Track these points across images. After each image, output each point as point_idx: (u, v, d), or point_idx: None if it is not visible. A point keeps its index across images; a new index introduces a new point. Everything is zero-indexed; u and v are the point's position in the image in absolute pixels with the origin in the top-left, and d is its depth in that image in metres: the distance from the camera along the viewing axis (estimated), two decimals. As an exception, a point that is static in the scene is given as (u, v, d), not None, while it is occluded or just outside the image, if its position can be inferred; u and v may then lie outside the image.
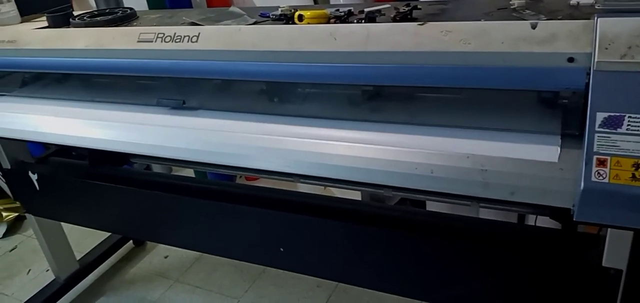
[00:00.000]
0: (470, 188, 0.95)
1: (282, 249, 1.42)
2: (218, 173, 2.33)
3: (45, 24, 1.46)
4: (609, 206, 0.81)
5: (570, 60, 0.82)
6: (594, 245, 1.06)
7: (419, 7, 1.05)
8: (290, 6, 1.13)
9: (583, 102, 0.84)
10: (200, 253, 2.38)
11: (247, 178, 2.63)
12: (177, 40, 1.15)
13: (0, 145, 1.84)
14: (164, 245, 2.49)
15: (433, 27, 0.93)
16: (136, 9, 1.46)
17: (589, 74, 0.80)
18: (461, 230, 1.23)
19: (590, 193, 0.80)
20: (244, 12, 1.23)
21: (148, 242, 2.59)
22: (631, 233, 0.93)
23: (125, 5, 1.49)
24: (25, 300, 2.21)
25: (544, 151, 0.89)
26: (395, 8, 1.03)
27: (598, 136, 0.79)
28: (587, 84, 0.81)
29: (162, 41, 1.17)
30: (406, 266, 1.29)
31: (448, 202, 1.25)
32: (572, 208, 0.86)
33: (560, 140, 0.89)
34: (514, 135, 0.94)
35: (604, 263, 0.99)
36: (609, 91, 0.78)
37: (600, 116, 0.79)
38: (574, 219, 0.85)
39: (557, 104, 0.92)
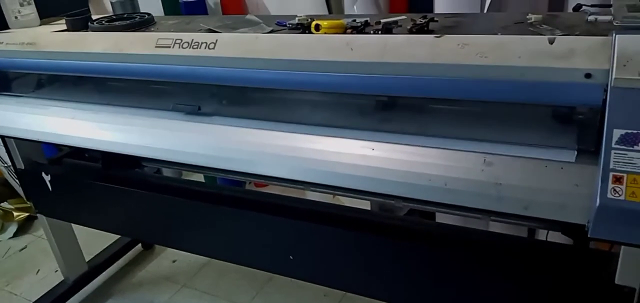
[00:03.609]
0: (484, 201, 0.95)
1: (291, 257, 1.42)
2: (228, 179, 2.34)
3: (64, 27, 1.48)
4: (624, 224, 0.81)
5: (588, 76, 0.82)
6: (607, 263, 1.06)
7: (435, 19, 1.05)
8: (307, 16, 1.14)
9: (600, 119, 0.84)
10: (208, 258, 2.39)
11: (256, 185, 2.64)
12: (194, 47, 1.17)
13: (15, 146, 1.86)
14: (172, 250, 2.50)
15: (450, 39, 0.93)
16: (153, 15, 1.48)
17: (606, 91, 0.80)
18: (472, 244, 1.23)
19: (606, 210, 0.80)
20: (260, 21, 1.24)
21: (156, 246, 2.60)
22: (645, 251, 0.92)
23: (142, 11, 1.51)
24: (34, 300, 2.22)
25: (559, 166, 0.89)
26: (412, 20, 1.04)
27: (615, 153, 0.79)
28: (604, 101, 0.81)
29: (179, 47, 1.19)
30: (415, 278, 1.29)
31: (459, 214, 1.25)
32: (586, 224, 0.86)
33: (575, 156, 0.89)
34: (529, 149, 0.93)
35: (617, 281, 0.98)
36: (626, 108, 0.78)
37: (617, 133, 0.79)
38: (589, 235, 0.85)
39: (572, 119, 0.92)
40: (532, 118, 0.94)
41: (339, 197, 1.96)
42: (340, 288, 1.74)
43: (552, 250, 1.18)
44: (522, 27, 0.98)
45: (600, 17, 0.92)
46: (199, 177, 2.51)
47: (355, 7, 1.98)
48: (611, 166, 0.79)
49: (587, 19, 0.95)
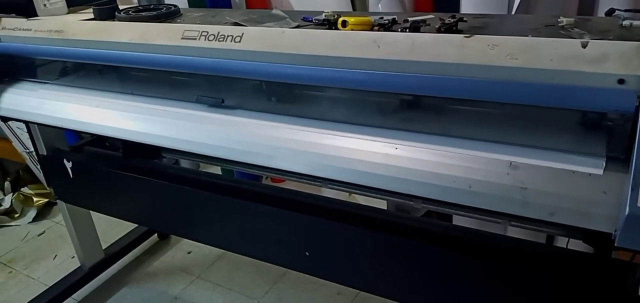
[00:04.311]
0: (509, 205, 0.94)
1: (307, 253, 1.42)
2: (245, 172, 2.35)
3: (91, 16, 1.50)
4: (653, 234, 0.79)
5: (621, 81, 0.81)
6: (630, 273, 1.04)
7: (464, 19, 1.04)
8: (333, 12, 1.14)
9: (631, 126, 0.82)
10: (223, 251, 2.40)
11: (273, 180, 2.64)
12: (220, 40, 1.17)
13: (38, 132, 1.89)
14: (188, 241, 2.52)
15: (479, 40, 0.92)
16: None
17: (639, 97, 0.79)
18: (491, 248, 1.21)
19: (636, 219, 0.79)
20: (286, 15, 1.24)
21: (172, 237, 2.62)
22: (671, 263, 0.91)
23: (168, 2, 1.52)
24: (50, 285, 2.26)
25: (587, 173, 0.88)
26: (441, 19, 1.03)
27: (647, 161, 0.77)
28: (637, 107, 0.79)
29: (205, 39, 1.19)
30: (431, 280, 1.28)
31: (479, 218, 1.23)
32: (613, 233, 0.85)
33: (604, 163, 0.88)
34: (557, 154, 0.92)
35: (640, 293, 0.96)
36: (660, 115, 0.77)
37: (650, 141, 0.77)
38: (616, 244, 0.83)
39: (602, 126, 0.91)
40: (561, 123, 0.93)
41: (355, 195, 1.96)
42: (355, 286, 1.74)
43: (574, 257, 1.16)
44: (553, 30, 0.96)
45: (635, 23, 0.91)
46: (216, 169, 2.53)
47: (379, 5, 1.97)
48: (643, 174, 0.78)
49: (621, 24, 0.93)
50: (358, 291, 2.09)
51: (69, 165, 1.82)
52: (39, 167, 2.06)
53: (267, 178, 2.63)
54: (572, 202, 0.89)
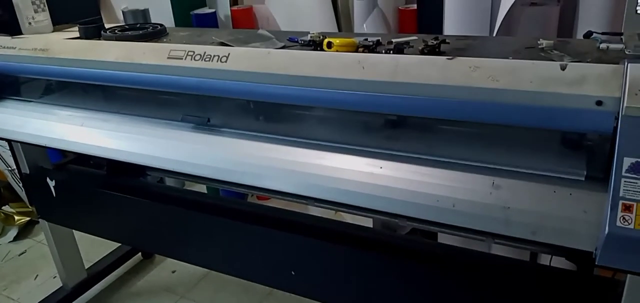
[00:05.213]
0: (492, 224, 0.95)
1: (293, 272, 1.41)
2: (230, 191, 2.34)
3: (77, 34, 1.49)
4: (632, 252, 0.81)
5: (599, 103, 0.83)
6: (611, 290, 1.06)
7: (447, 41, 1.06)
8: (319, 33, 1.16)
9: (610, 146, 0.84)
10: (208, 270, 2.38)
11: (259, 198, 2.64)
12: (206, 59, 1.18)
13: (21, 150, 1.86)
14: (172, 260, 2.49)
15: (462, 62, 0.94)
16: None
17: (617, 118, 0.81)
18: (475, 266, 1.22)
19: (615, 238, 0.80)
20: (272, 36, 1.25)
21: (156, 256, 2.59)
22: (651, 280, 0.92)
23: (153, 21, 1.52)
24: (31, 306, 2.21)
25: (568, 193, 0.90)
26: (424, 40, 1.05)
27: (625, 181, 0.79)
28: (615, 128, 0.81)
29: (191, 59, 1.20)
30: (416, 298, 1.28)
31: (463, 236, 1.24)
32: (594, 251, 0.86)
33: (584, 183, 0.90)
34: (538, 174, 0.94)
35: (622, 310, 0.98)
36: (637, 136, 0.78)
37: (628, 161, 0.79)
38: (596, 263, 0.85)
39: (582, 146, 0.93)
40: (542, 143, 0.95)
41: (341, 213, 1.97)
42: (342, 306, 1.73)
43: (556, 275, 1.17)
44: (533, 52, 0.99)
45: (611, 46, 0.93)
46: (202, 188, 2.51)
47: (365, 25, 2.00)
48: (621, 194, 0.79)
49: (598, 47, 0.95)
50: (344, 309, 2.08)
51: (51, 183, 1.80)
52: (21, 185, 2.02)
53: (252, 196, 2.62)
54: (553, 221, 0.90)
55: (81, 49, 1.38)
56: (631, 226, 0.79)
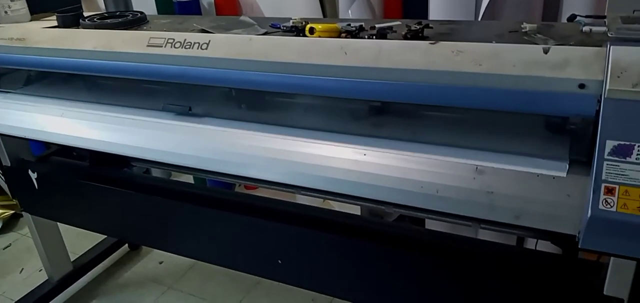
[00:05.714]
0: (476, 209, 0.95)
1: (280, 261, 1.41)
2: (217, 180, 2.33)
3: (55, 23, 1.46)
4: (615, 235, 0.81)
5: (582, 86, 0.83)
6: (595, 273, 1.06)
7: (430, 26, 1.05)
8: (301, 18, 1.14)
9: (592, 129, 0.84)
10: (195, 260, 2.37)
11: (246, 187, 2.62)
12: (187, 47, 1.15)
13: (2, 142, 1.82)
14: (159, 251, 2.48)
15: (444, 46, 0.93)
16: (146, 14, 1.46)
17: (599, 102, 0.81)
18: (461, 251, 1.23)
19: (597, 221, 0.80)
20: (254, 22, 1.23)
21: (143, 247, 2.57)
22: (634, 262, 0.93)
23: (135, 9, 1.49)
24: (17, 299, 2.18)
25: (551, 177, 0.89)
26: (407, 25, 1.03)
27: (607, 164, 0.79)
28: (598, 111, 0.81)
29: (171, 47, 1.17)
30: (403, 284, 1.28)
31: (449, 221, 1.24)
32: (577, 235, 0.86)
33: (567, 166, 0.89)
34: (522, 158, 0.93)
35: (605, 292, 0.98)
36: (619, 119, 0.78)
37: (610, 144, 0.79)
38: (580, 247, 0.85)
39: (565, 130, 0.92)
40: (525, 127, 0.95)
41: (329, 201, 1.96)
42: (329, 293, 1.73)
43: (541, 259, 1.18)
44: (517, 36, 0.98)
45: (594, 28, 0.93)
46: (188, 178, 2.49)
47: (350, 11, 1.98)
48: (603, 177, 0.79)
49: (582, 30, 0.95)
50: (332, 297, 2.09)
51: (34, 176, 1.77)
52: (3, 178, 1.99)
53: (240, 185, 2.61)
54: (537, 205, 0.90)
55: (58, 37, 1.35)
56: (613, 209, 0.79)
